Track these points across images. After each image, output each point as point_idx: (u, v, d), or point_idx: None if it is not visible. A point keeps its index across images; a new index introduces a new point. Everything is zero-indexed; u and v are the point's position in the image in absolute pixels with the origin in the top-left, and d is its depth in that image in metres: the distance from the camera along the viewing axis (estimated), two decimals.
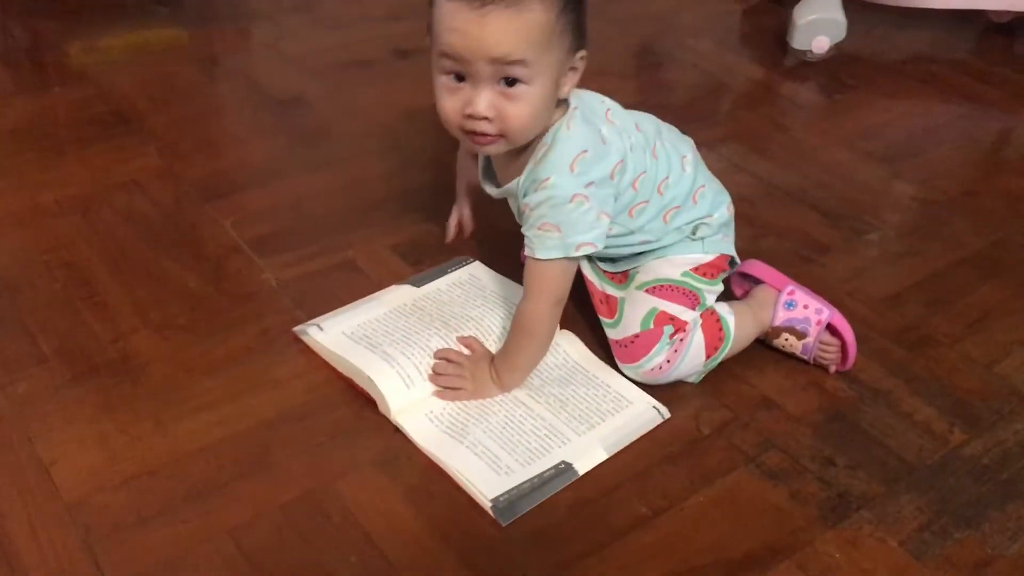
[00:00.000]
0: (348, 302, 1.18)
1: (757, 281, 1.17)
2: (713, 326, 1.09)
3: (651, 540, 0.93)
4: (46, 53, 1.80)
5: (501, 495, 0.95)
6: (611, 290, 1.13)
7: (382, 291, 1.21)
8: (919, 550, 0.93)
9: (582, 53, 0.98)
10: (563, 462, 0.99)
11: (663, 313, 1.08)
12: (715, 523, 0.95)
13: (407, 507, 0.95)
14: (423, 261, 1.28)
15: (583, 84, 1.04)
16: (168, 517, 0.93)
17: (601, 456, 1.00)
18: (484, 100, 0.93)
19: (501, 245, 1.27)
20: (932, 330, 1.22)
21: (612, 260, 1.15)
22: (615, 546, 0.92)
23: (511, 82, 0.92)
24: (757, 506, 0.97)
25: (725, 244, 1.15)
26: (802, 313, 1.11)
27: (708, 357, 1.08)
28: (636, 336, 1.07)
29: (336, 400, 1.07)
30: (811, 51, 1.90)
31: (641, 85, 1.87)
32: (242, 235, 1.32)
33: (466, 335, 1.11)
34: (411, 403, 1.04)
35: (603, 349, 1.13)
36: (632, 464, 1.01)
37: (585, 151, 0.99)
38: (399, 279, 1.23)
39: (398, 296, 1.19)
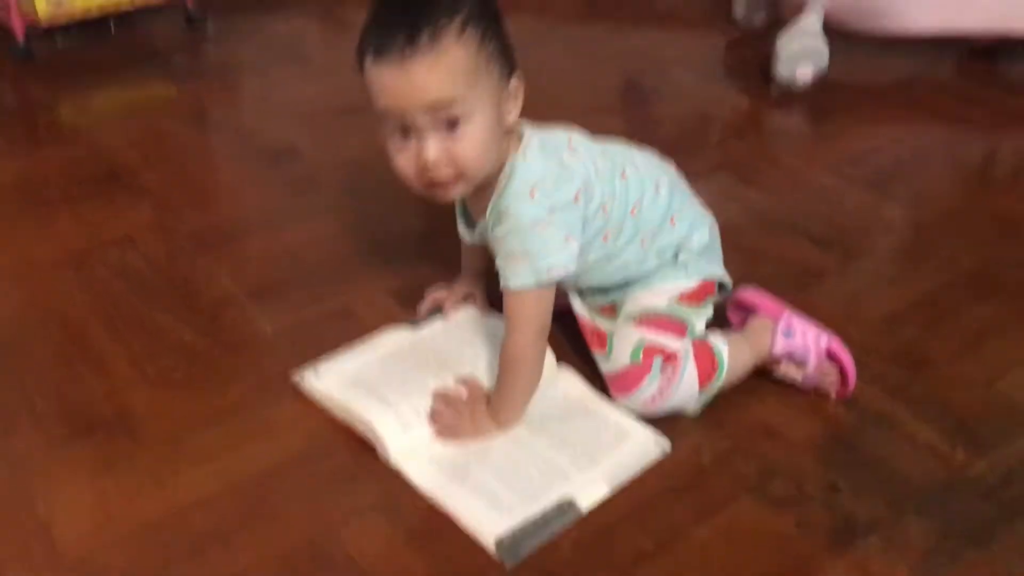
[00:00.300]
0: (345, 347, 1.18)
1: (753, 310, 1.17)
2: (706, 356, 1.09)
3: (657, 575, 0.92)
4: (38, 114, 1.82)
5: (504, 535, 0.94)
6: (602, 324, 1.14)
7: (378, 335, 1.21)
8: (930, 574, 0.92)
9: (516, 77, 1.00)
10: (566, 498, 0.98)
11: (652, 345, 1.08)
12: (722, 554, 0.94)
13: (410, 551, 0.94)
14: (419, 303, 1.28)
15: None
16: (170, 572, 0.92)
17: (603, 491, 1.00)
18: (432, 148, 0.95)
19: (495, 285, 1.27)
20: (930, 351, 1.22)
21: (602, 291, 1.16)
22: None
23: (452, 124, 0.94)
24: (763, 535, 0.96)
25: (709, 267, 1.15)
26: (801, 341, 1.11)
27: (702, 387, 1.08)
28: (627, 368, 1.08)
29: (335, 446, 1.06)
30: (795, 80, 1.92)
31: (629, 121, 1.89)
32: (237, 285, 1.32)
33: (463, 375, 1.11)
34: (410, 445, 1.03)
35: (600, 383, 1.13)
36: (635, 497, 1.00)
37: (544, 178, 1.01)
38: (395, 322, 1.23)
39: (394, 339, 1.19)
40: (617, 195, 1.07)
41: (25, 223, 1.46)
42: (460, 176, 0.97)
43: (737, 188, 1.60)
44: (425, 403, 1.07)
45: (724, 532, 0.96)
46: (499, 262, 1.02)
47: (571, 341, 1.18)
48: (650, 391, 1.07)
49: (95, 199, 1.52)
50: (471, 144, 0.95)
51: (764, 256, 1.40)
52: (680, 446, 1.06)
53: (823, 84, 1.94)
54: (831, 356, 1.12)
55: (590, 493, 0.99)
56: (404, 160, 0.97)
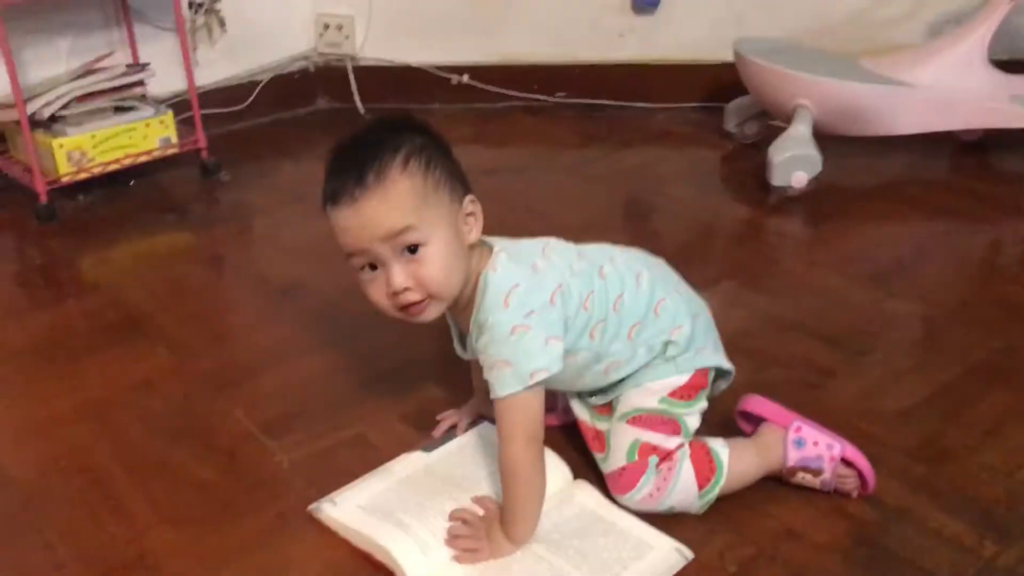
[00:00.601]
0: (361, 476, 1.19)
1: (761, 419, 1.17)
2: (703, 458, 1.09)
3: None
4: (60, 269, 1.87)
5: None
6: (601, 425, 1.15)
7: (393, 461, 1.21)
8: None
9: (469, 198, 1.05)
10: None
11: (646, 444, 1.09)
12: None
13: None
14: (432, 427, 1.29)
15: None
16: None
17: None
18: (398, 274, 1.00)
19: None
20: (949, 442, 1.21)
21: (600, 391, 1.17)
22: None
23: (412, 249, 1.00)
24: None
25: (700, 358, 1.15)
26: (813, 451, 1.11)
27: (701, 488, 1.08)
28: (624, 468, 1.09)
29: (355, 575, 1.05)
30: (791, 186, 1.97)
31: (631, 237, 1.90)
32: (253, 420, 1.34)
33: (480, 495, 1.11)
34: (429, 569, 1.02)
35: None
36: None
37: (517, 284, 1.03)
38: (409, 447, 1.24)
39: (409, 464, 1.20)
40: (596, 291, 1.09)
41: (48, 376, 1.49)
42: (431, 296, 1.02)
43: (742, 294, 1.62)
44: (443, 526, 1.06)
45: None
46: (486, 374, 1.04)
47: (586, 455, 1.18)
48: (647, 489, 1.08)
49: (116, 347, 1.56)
50: (434, 265, 1.00)
51: (774, 359, 1.41)
52: (703, 554, 1.04)
53: (819, 187, 1.98)
54: (847, 462, 1.11)
55: None
56: (376, 291, 1.02)
